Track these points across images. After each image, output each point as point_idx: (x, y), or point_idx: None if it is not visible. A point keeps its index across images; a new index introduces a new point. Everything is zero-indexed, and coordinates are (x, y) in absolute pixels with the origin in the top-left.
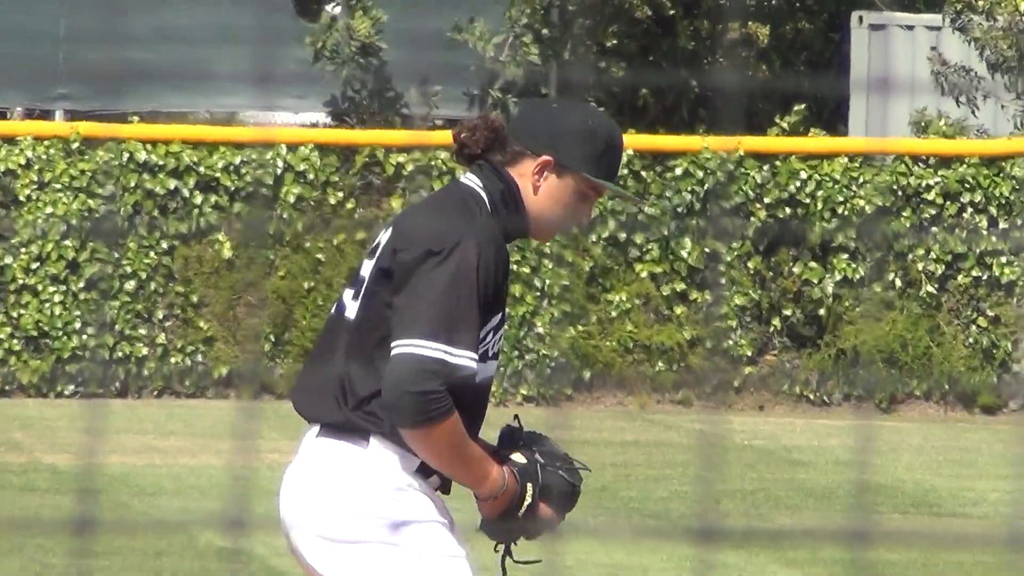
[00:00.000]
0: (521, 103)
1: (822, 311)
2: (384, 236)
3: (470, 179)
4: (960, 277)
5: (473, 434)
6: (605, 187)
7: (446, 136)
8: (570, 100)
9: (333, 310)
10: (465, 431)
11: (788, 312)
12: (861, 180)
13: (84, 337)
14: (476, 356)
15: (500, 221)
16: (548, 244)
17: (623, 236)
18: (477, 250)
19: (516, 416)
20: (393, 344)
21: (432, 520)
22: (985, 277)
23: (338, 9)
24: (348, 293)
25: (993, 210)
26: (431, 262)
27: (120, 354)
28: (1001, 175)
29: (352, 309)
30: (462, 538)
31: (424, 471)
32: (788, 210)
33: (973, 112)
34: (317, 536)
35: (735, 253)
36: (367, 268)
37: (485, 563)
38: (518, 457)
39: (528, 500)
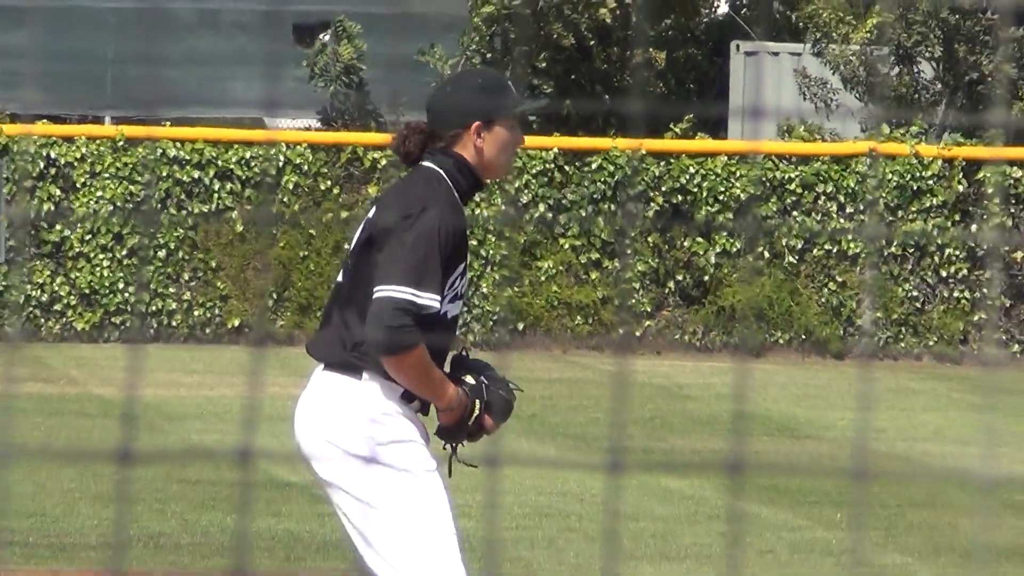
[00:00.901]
0: (427, 101)
1: (706, 277)
2: (368, 214)
3: (428, 163)
4: (815, 251)
5: (443, 358)
6: (518, 112)
7: None
8: (452, 76)
9: (338, 277)
10: (430, 359)
11: (680, 277)
12: (738, 174)
13: (126, 295)
14: (439, 297)
15: (458, 186)
16: (492, 223)
17: (550, 216)
18: (438, 215)
19: (464, 348)
20: (374, 290)
21: (412, 440)
22: (835, 251)
23: (327, 38)
24: (345, 264)
25: (841, 198)
26: (402, 226)
27: (154, 308)
28: (848, 170)
29: (345, 275)
30: (434, 453)
31: (407, 397)
32: (679, 197)
33: (827, 117)
34: (323, 445)
35: (638, 230)
36: (355, 241)
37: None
38: (468, 379)
39: (476, 412)
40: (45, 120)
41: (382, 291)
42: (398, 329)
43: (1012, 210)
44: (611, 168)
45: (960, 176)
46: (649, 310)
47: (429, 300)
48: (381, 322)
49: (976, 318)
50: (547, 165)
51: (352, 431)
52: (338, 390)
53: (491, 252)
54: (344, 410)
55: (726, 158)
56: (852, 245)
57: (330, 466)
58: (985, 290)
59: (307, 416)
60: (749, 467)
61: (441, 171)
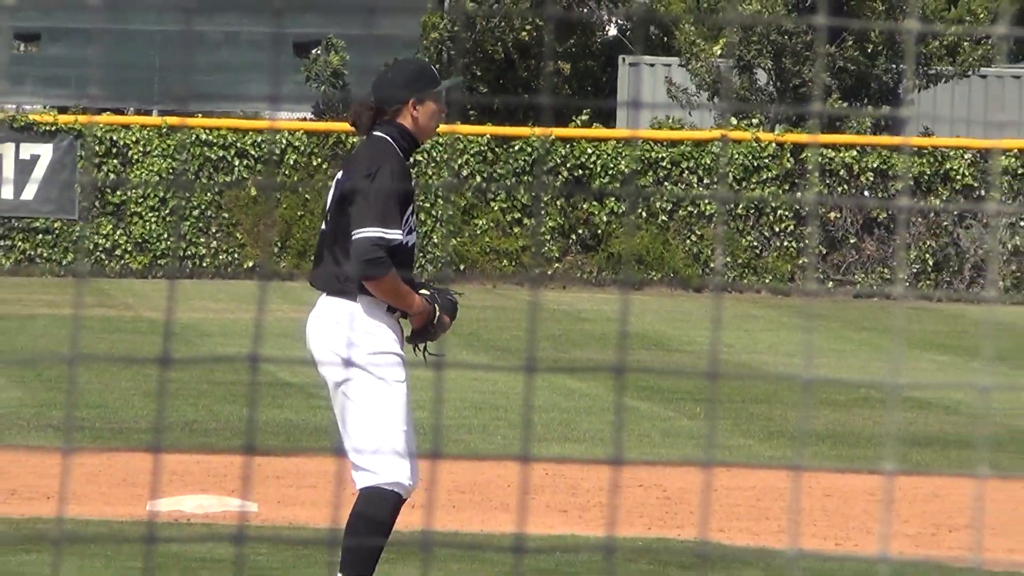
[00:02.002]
0: (373, 84)
1: (599, 231)
2: (337, 175)
3: (378, 132)
4: (680, 211)
5: (407, 278)
6: (442, 89)
7: None
8: (392, 66)
9: (322, 226)
10: (400, 278)
11: (580, 231)
12: (623, 154)
13: (168, 243)
14: (400, 231)
15: (401, 147)
16: (440, 191)
17: (484, 185)
18: (390, 170)
19: (422, 279)
20: (352, 233)
21: (393, 352)
22: (695, 212)
23: (319, 52)
24: (325, 216)
25: (700, 172)
26: (364, 182)
27: (189, 253)
28: (704, 151)
29: (327, 224)
30: (406, 364)
31: (390, 310)
32: (580, 171)
33: (689, 112)
34: (328, 353)
35: (549, 196)
36: (329, 199)
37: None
38: (424, 292)
39: (437, 313)
40: (108, 112)
41: (358, 233)
42: (375, 260)
43: (827, 181)
44: (529, 150)
45: (788, 156)
46: (557, 255)
47: (394, 234)
48: (361, 256)
49: (800, 262)
50: (481, 147)
51: (350, 342)
52: (339, 311)
53: (440, 212)
54: (344, 326)
55: (615, 142)
56: (708, 207)
57: (331, 369)
58: (806, 241)
59: (317, 331)
60: (630, 371)
61: (388, 138)
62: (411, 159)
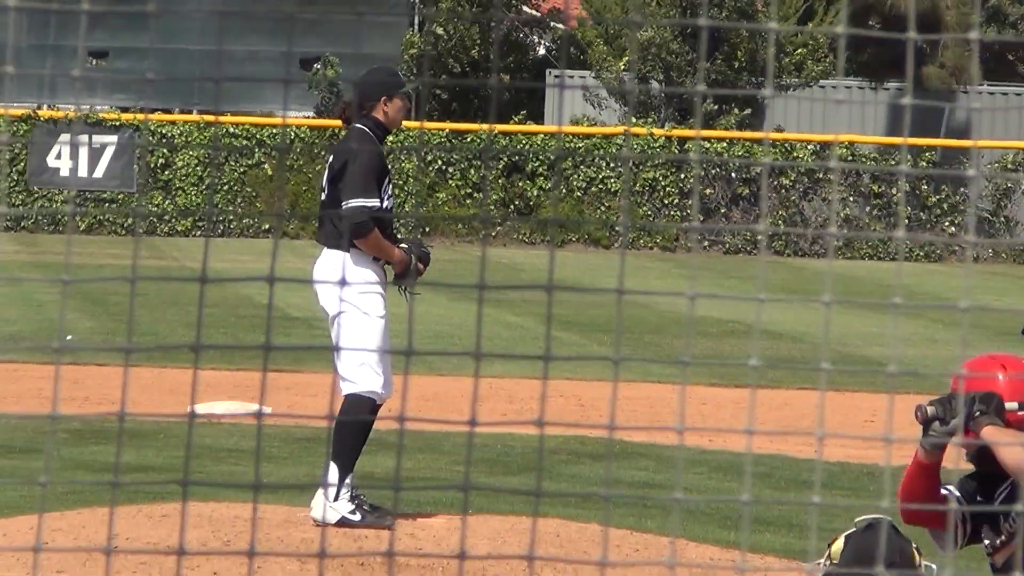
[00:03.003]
0: (353, 88)
1: (531, 202)
2: (329, 160)
3: (358, 124)
4: (593, 188)
5: (388, 235)
6: (405, 90)
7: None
8: (367, 71)
9: (322, 197)
10: (382, 236)
11: (517, 203)
12: (550, 144)
13: (204, 210)
14: (379, 198)
15: (376, 135)
16: (411, 171)
17: (445, 168)
18: (368, 153)
19: (400, 236)
20: (343, 203)
21: (376, 292)
22: (604, 188)
23: (319, 65)
24: (322, 190)
25: (608, 159)
26: (349, 162)
27: (221, 218)
28: (611, 143)
29: (325, 197)
30: (387, 302)
31: (376, 260)
32: (517, 157)
33: (600, 112)
34: (328, 291)
35: (493, 176)
36: (325, 177)
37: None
38: (403, 245)
39: (413, 262)
40: (159, 111)
41: (347, 204)
42: (361, 223)
43: (705, 166)
44: (478, 141)
45: (675, 146)
46: (499, 221)
47: (373, 202)
48: (352, 220)
49: (684, 224)
50: (442, 139)
51: (344, 283)
52: (335, 260)
53: (411, 187)
54: (339, 271)
55: (543, 135)
56: (614, 184)
57: (328, 303)
58: (689, 211)
59: (321, 274)
60: (556, 309)
61: (366, 128)
62: (385, 144)
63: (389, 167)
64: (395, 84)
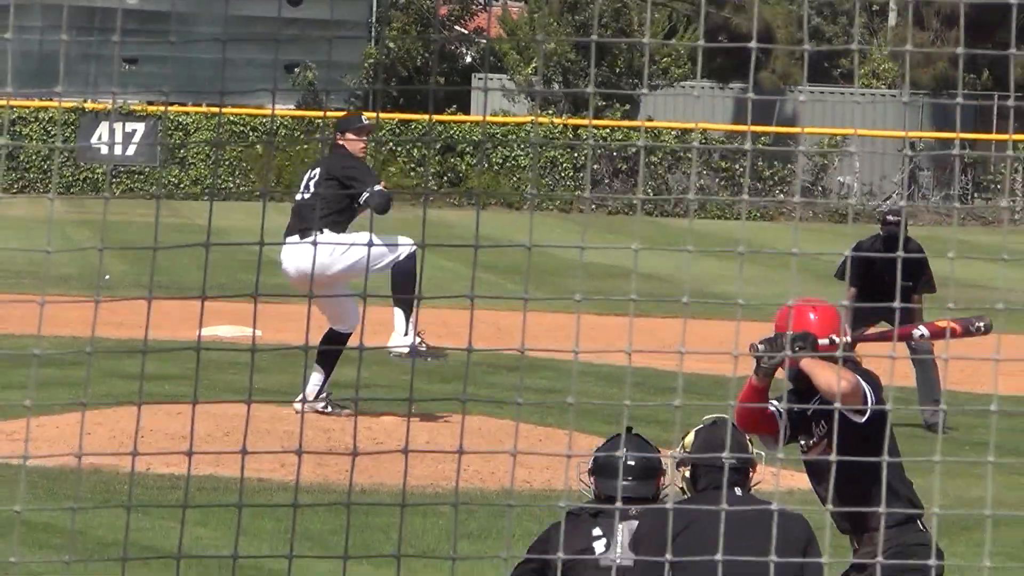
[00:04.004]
0: (334, 124)
1: (461, 175)
2: (314, 171)
3: (337, 147)
4: (506, 163)
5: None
6: (364, 126)
7: (337, 114)
8: (340, 118)
9: (298, 198)
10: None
11: (450, 175)
12: (475, 131)
13: (210, 180)
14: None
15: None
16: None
17: (396, 148)
18: (355, 159)
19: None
20: (362, 194)
21: (362, 243)
22: (516, 164)
23: (299, 69)
24: (301, 193)
25: (520, 142)
26: (347, 171)
27: (223, 185)
28: (522, 129)
29: (304, 196)
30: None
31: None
32: (449, 139)
33: (513, 105)
34: (324, 250)
35: (432, 154)
36: (312, 180)
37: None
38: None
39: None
40: (176, 104)
41: (367, 193)
42: (384, 197)
43: (594, 148)
44: (419, 128)
45: (571, 132)
46: (436, 188)
47: (382, 185)
48: (379, 198)
49: (576, 194)
50: (393, 126)
51: (325, 252)
52: (309, 240)
53: (368, 163)
54: (318, 247)
55: (471, 124)
56: (523, 161)
57: (306, 274)
58: (581, 182)
59: (298, 255)
60: (480, 257)
61: (343, 150)
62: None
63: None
64: (352, 123)
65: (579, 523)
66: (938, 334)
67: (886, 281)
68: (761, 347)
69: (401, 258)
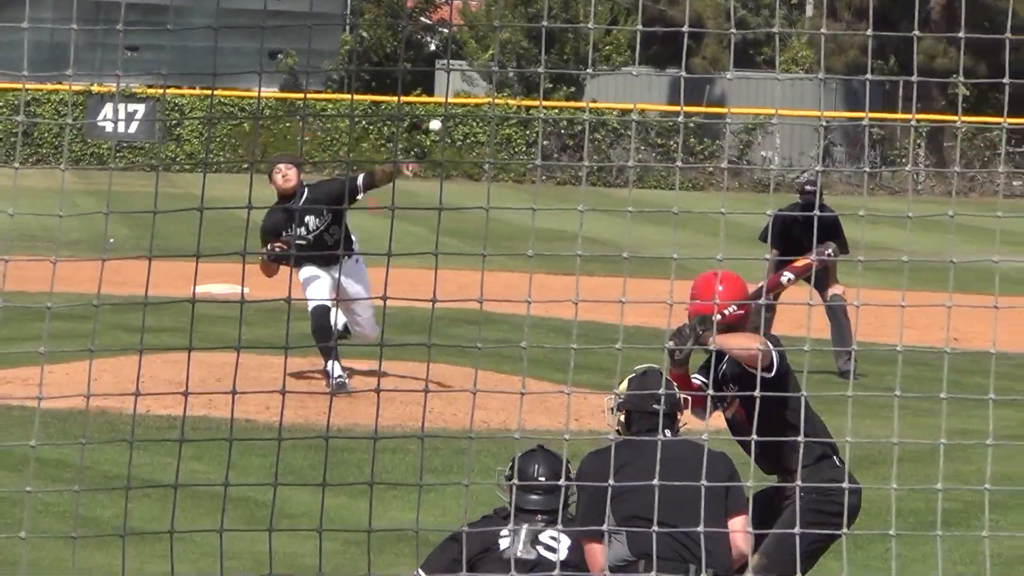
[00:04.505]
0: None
1: (425, 150)
2: (305, 199)
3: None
4: (467, 140)
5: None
6: (275, 164)
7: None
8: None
9: (305, 232)
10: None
11: (416, 149)
12: (439, 110)
13: (203, 154)
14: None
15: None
16: (344, 130)
17: (367, 126)
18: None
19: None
20: (358, 188)
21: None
22: (473, 142)
23: (281, 56)
24: (311, 221)
25: (478, 120)
26: (337, 184)
27: (213, 159)
28: (480, 108)
29: (317, 225)
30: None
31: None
32: (415, 119)
33: (472, 89)
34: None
35: (401, 131)
36: (316, 204)
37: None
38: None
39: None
40: (172, 87)
41: (359, 185)
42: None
43: (545, 125)
44: (390, 107)
45: (524, 111)
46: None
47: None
48: (363, 180)
49: (530, 164)
50: (366, 106)
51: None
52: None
53: (344, 139)
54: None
55: (436, 104)
56: (482, 137)
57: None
58: (534, 155)
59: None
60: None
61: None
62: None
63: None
64: (272, 165)
65: (490, 523)
66: (801, 271)
67: (804, 243)
68: (671, 344)
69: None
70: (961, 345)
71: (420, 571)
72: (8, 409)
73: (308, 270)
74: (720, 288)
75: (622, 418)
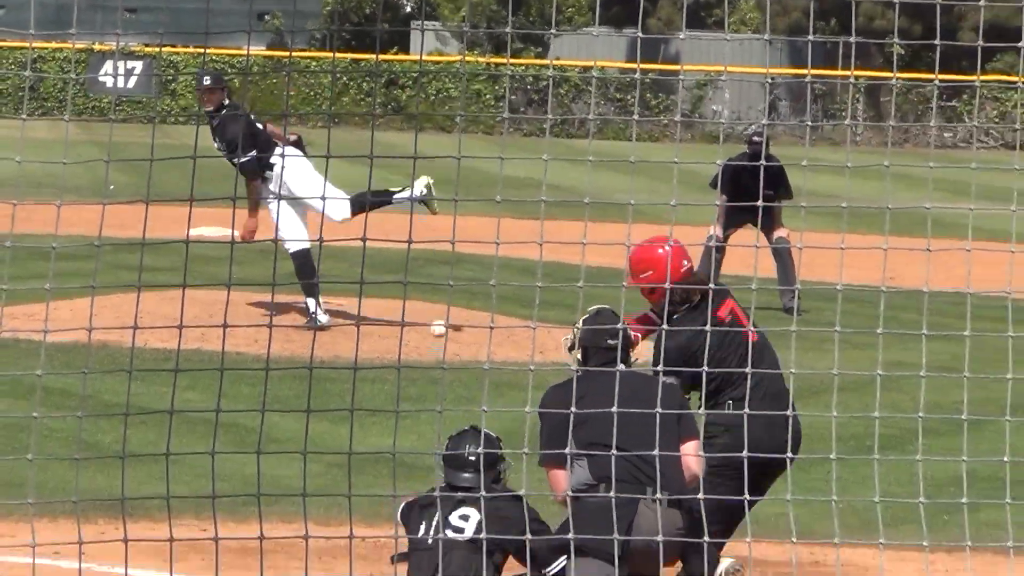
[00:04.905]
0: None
1: (402, 103)
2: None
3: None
4: (437, 100)
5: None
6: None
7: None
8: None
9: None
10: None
11: (393, 103)
12: (415, 68)
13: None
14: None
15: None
16: (326, 86)
17: (347, 82)
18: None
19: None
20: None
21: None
22: (446, 96)
23: (268, 17)
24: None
25: (449, 76)
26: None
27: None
28: (452, 66)
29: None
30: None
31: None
32: (391, 75)
33: (444, 48)
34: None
35: (378, 86)
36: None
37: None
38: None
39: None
40: (168, 45)
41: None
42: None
43: (511, 80)
44: (368, 65)
45: (493, 68)
46: (382, 114)
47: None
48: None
49: (498, 117)
50: (347, 64)
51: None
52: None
53: (326, 94)
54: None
55: (409, 61)
56: (454, 92)
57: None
58: (501, 108)
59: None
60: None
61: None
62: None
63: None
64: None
65: (417, 508)
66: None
67: (751, 189)
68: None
69: (299, 248)
70: (897, 284)
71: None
72: (16, 342)
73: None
74: (662, 252)
75: (579, 355)
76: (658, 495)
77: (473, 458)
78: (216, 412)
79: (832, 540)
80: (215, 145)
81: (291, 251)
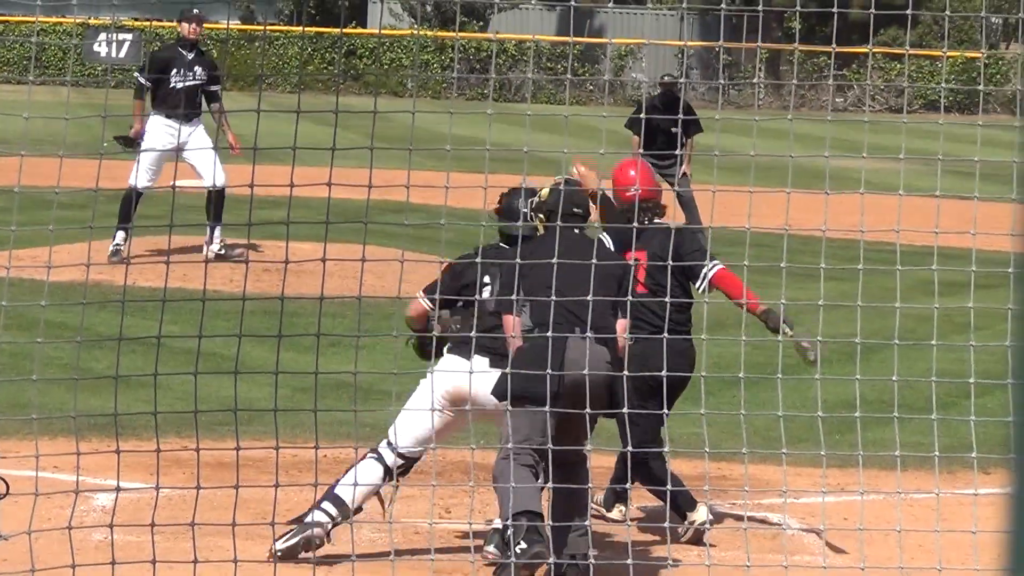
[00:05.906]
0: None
1: (361, 70)
2: (195, 53)
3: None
4: (395, 64)
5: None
6: (187, 17)
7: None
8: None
9: (192, 78)
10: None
11: (353, 70)
12: (372, 41)
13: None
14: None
15: (179, 44)
16: (295, 56)
17: (311, 52)
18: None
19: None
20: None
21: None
22: (400, 64)
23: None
24: (198, 71)
25: (403, 47)
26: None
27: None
28: (405, 40)
29: (200, 77)
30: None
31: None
32: (351, 47)
33: (399, 22)
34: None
35: (340, 55)
36: (202, 66)
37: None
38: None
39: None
40: (158, 20)
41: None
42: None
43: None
44: (332, 38)
45: (441, 41)
46: (342, 80)
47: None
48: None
49: (445, 85)
50: (312, 37)
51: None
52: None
53: (295, 62)
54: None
55: (368, 35)
56: (406, 60)
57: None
58: (450, 81)
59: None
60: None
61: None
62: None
63: (177, 60)
64: (182, 13)
65: (470, 260)
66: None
67: (663, 129)
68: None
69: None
70: (797, 227)
71: (421, 292)
72: (21, 281)
73: (151, 138)
74: (633, 173)
75: (543, 216)
76: (587, 334)
77: (525, 209)
78: (199, 337)
79: (740, 451)
80: (195, 72)
81: (223, 184)
